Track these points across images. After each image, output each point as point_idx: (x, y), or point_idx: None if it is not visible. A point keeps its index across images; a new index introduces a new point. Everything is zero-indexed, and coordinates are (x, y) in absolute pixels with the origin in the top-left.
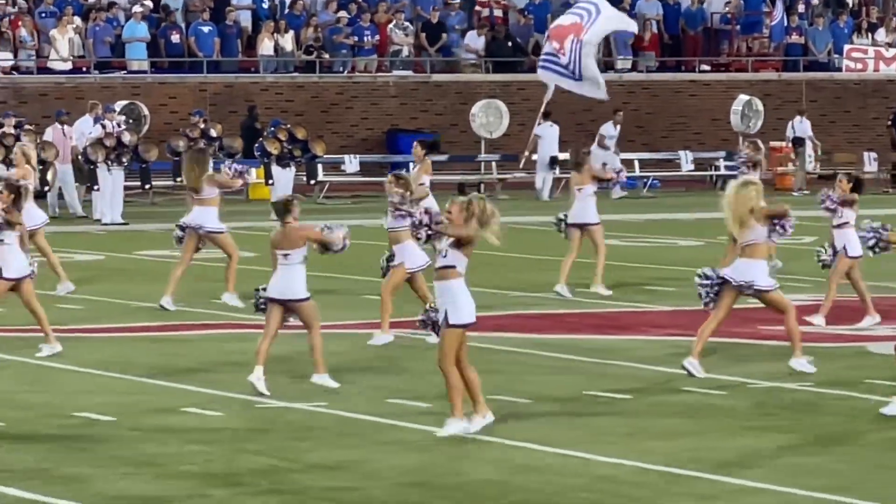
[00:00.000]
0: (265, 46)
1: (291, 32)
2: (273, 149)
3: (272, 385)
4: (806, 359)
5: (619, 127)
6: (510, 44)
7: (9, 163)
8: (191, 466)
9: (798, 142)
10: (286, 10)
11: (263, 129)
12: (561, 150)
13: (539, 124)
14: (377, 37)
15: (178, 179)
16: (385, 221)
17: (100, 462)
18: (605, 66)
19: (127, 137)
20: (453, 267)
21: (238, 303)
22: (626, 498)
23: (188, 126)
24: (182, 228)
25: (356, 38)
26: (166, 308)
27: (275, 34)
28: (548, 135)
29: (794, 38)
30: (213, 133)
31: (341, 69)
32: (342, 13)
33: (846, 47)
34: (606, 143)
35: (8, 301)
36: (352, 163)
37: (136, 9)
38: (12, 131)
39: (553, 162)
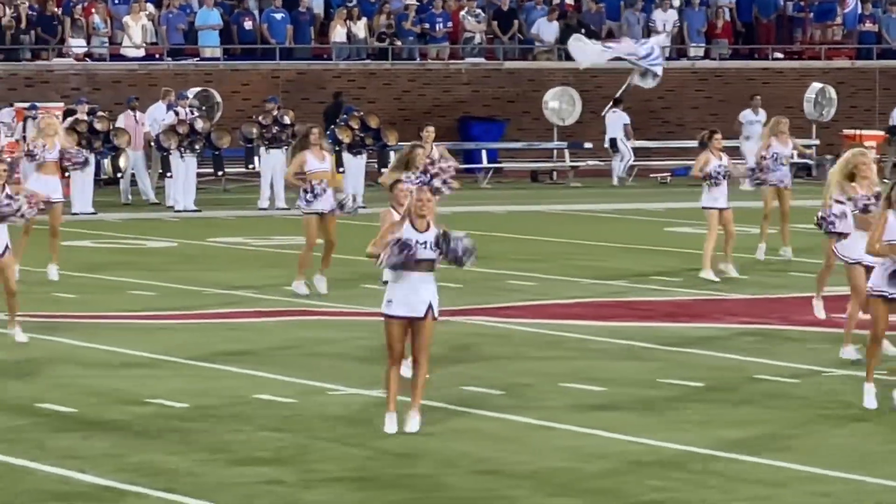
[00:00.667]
0: (338, 33)
1: (364, 19)
2: (345, 137)
3: (345, 371)
4: (854, 347)
5: (760, 112)
6: (583, 31)
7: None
8: (263, 453)
9: (892, 130)
10: None
11: (347, 119)
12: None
13: (613, 111)
14: (449, 24)
15: (251, 167)
16: None
17: (172, 449)
18: (678, 53)
19: (200, 124)
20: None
21: (306, 290)
22: (698, 485)
23: (261, 113)
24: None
25: (428, 26)
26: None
27: (347, 21)
28: (613, 120)
29: (868, 25)
30: (286, 120)
31: (413, 56)
32: (413, 1)
33: None
34: (744, 130)
35: (83, 287)
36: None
37: None
38: (85, 118)
39: (612, 144)
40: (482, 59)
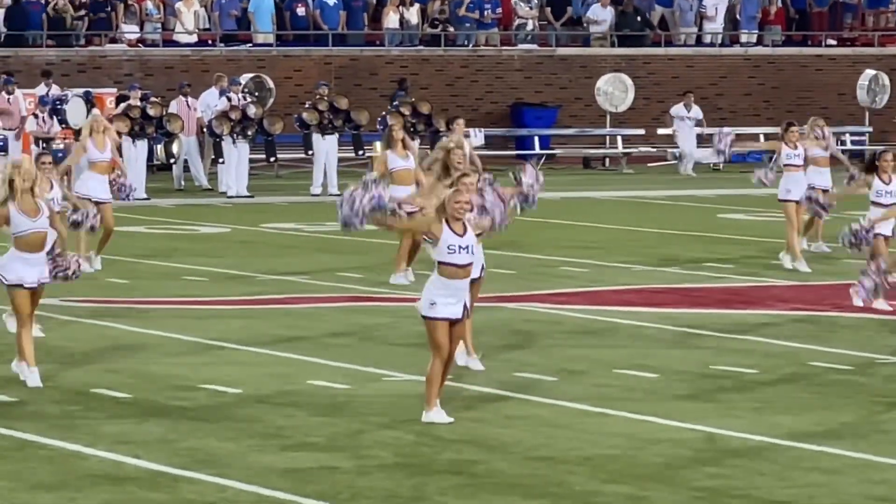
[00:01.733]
0: (390, 20)
1: (417, 6)
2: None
3: (398, 358)
4: None
5: (693, 108)
6: (638, 18)
7: (135, 136)
8: (317, 439)
9: None
10: None
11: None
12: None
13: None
14: (499, 10)
15: (310, 153)
16: None
17: (226, 434)
18: (731, 40)
19: (252, 110)
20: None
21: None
22: (753, 472)
23: (314, 98)
24: None
25: (479, 12)
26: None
27: (400, 7)
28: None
29: None
30: (340, 105)
31: (466, 42)
32: None
33: None
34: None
35: (136, 273)
36: (476, 136)
37: None
38: (138, 104)
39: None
40: (535, 46)
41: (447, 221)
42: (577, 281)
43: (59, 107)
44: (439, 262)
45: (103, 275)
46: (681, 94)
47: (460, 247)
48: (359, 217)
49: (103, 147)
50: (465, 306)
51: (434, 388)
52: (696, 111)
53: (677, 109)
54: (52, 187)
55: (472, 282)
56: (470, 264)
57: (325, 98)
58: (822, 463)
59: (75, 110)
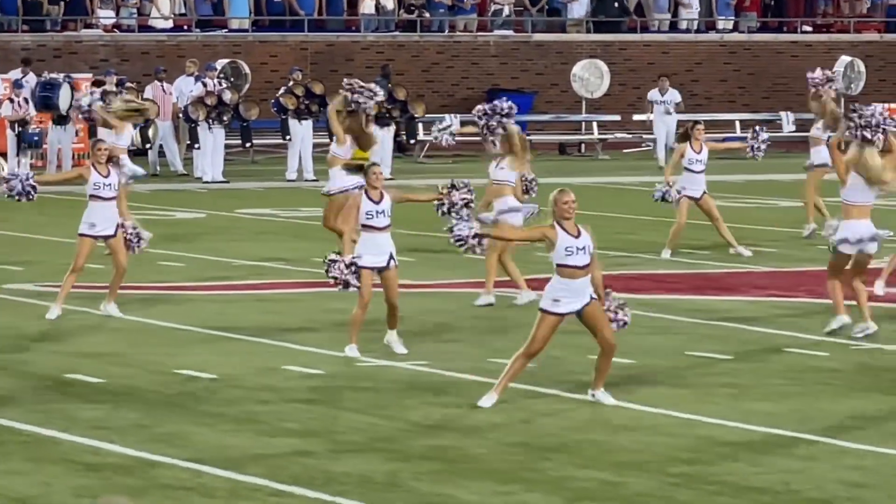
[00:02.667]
0: (367, 5)
1: None
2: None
3: (374, 343)
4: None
5: (669, 92)
6: (615, 4)
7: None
8: (292, 424)
9: None
10: None
11: (394, 90)
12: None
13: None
14: None
15: (287, 138)
16: None
17: (201, 419)
18: (707, 26)
19: (228, 96)
20: None
21: None
22: (728, 458)
23: (288, 84)
24: None
25: None
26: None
27: None
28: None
29: None
30: (315, 91)
31: (441, 28)
32: None
33: None
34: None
35: (111, 258)
36: (453, 122)
37: None
38: (114, 89)
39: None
40: (510, 32)
41: (559, 224)
42: (552, 267)
43: (47, 93)
44: (558, 265)
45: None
46: (655, 80)
47: (577, 248)
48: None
49: (122, 131)
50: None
51: (510, 378)
52: (672, 94)
53: (652, 94)
54: (108, 174)
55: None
56: (588, 265)
57: (302, 83)
58: (797, 449)
59: (65, 95)
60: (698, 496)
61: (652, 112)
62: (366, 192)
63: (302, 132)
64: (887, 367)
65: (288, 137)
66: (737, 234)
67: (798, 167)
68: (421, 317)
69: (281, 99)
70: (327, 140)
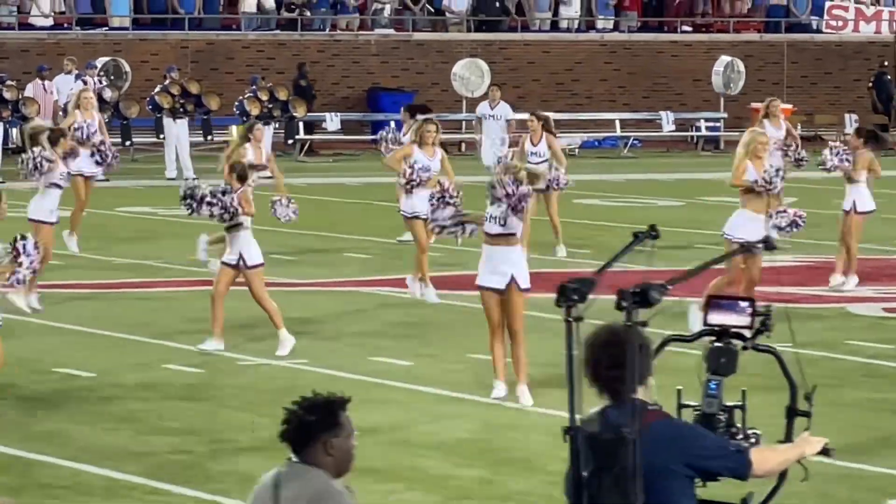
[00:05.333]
0: (247, 3)
1: None
2: (253, 109)
3: (254, 341)
4: None
5: (500, 105)
6: (497, 3)
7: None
8: (172, 423)
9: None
10: None
11: (312, 87)
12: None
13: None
14: None
15: (161, 136)
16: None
17: (80, 418)
18: (587, 25)
19: (108, 94)
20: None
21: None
22: None
23: (165, 83)
24: None
25: None
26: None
27: None
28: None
29: None
30: (192, 90)
31: (322, 27)
32: None
33: (827, 4)
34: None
35: None
36: (333, 121)
37: None
38: None
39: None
40: (391, 31)
41: None
42: (439, 267)
43: None
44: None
45: None
46: (536, 79)
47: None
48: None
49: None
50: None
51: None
52: (503, 108)
53: (482, 108)
54: None
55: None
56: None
57: (178, 82)
58: None
59: None
60: None
61: (481, 132)
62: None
63: (177, 130)
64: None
65: (162, 136)
66: (616, 234)
67: (677, 166)
68: (302, 315)
69: (156, 97)
70: (202, 139)
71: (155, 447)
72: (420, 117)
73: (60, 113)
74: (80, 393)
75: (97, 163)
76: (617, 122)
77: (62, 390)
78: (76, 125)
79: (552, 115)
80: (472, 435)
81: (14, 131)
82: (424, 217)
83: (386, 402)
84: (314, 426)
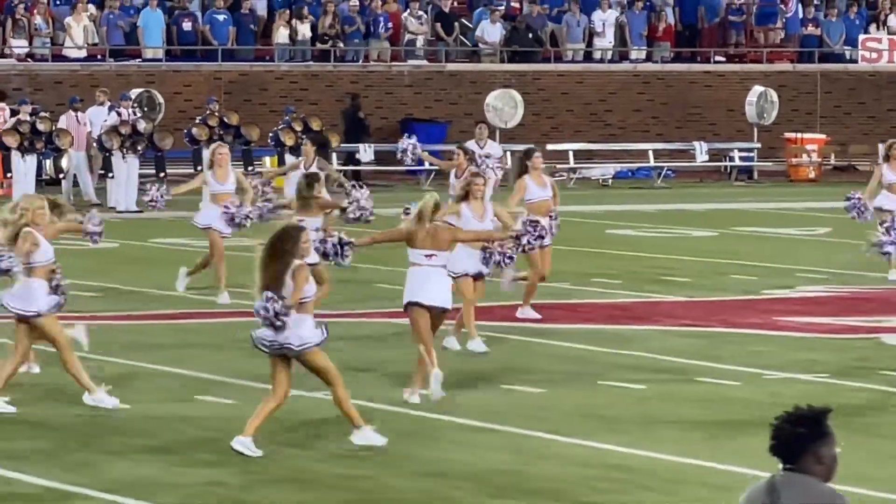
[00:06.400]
0: (280, 35)
1: (307, 21)
2: (288, 139)
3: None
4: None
5: (489, 145)
6: (530, 34)
7: (25, 150)
8: (205, 454)
9: None
10: None
11: (366, 119)
12: None
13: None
14: (390, 25)
15: (199, 168)
16: None
17: (114, 449)
18: (620, 56)
19: (142, 125)
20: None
21: None
22: (640, 487)
23: (204, 114)
24: None
25: (369, 27)
26: None
27: (294, 21)
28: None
29: (810, 29)
30: (230, 121)
31: (355, 58)
32: (353, 1)
33: (861, 37)
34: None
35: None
36: (366, 152)
37: None
38: (28, 118)
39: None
40: (424, 62)
41: None
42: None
43: None
44: None
45: None
46: (569, 109)
47: None
48: None
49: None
50: None
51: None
52: (493, 147)
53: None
54: None
55: None
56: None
57: (216, 113)
58: (709, 479)
59: None
60: None
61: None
62: None
63: None
64: (800, 396)
65: (199, 167)
66: (650, 264)
67: (710, 196)
68: (333, 345)
69: (193, 129)
70: (242, 169)
71: (189, 479)
72: (471, 169)
73: (94, 145)
74: (115, 424)
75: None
76: (650, 153)
77: (96, 421)
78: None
79: (586, 146)
80: (505, 465)
81: (48, 163)
82: (474, 273)
83: (420, 433)
84: (804, 438)
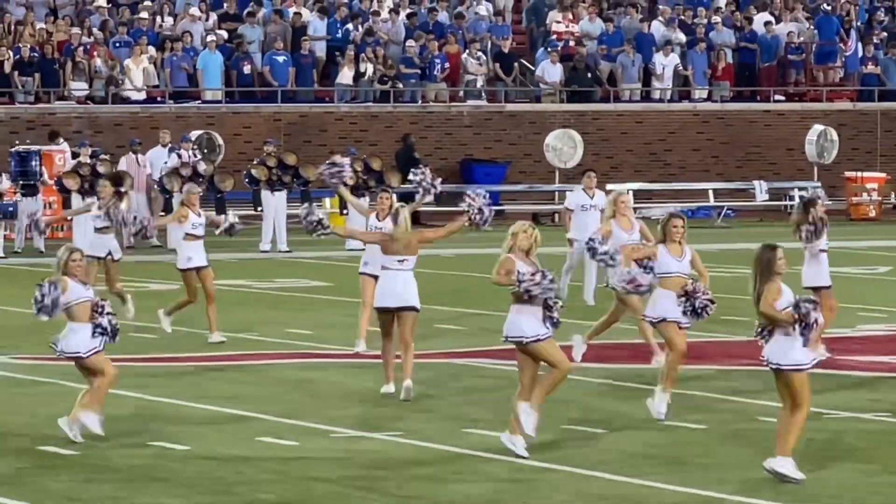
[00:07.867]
0: (342, 76)
1: (368, 63)
2: (349, 180)
3: (349, 414)
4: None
5: None
6: (588, 74)
7: (85, 192)
8: (266, 495)
9: None
10: (361, 40)
11: (421, 159)
12: None
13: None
14: (447, 65)
15: (259, 209)
16: None
17: (174, 491)
18: (680, 96)
19: (202, 167)
20: None
21: None
22: None
23: (262, 155)
24: None
25: (427, 68)
26: None
27: (352, 64)
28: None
29: (870, 67)
30: (289, 162)
31: (416, 99)
32: (410, 42)
33: None
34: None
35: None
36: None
37: (210, 38)
38: (88, 161)
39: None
40: (484, 102)
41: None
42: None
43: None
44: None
45: (51, 330)
46: (630, 149)
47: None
48: None
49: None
50: None
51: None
52: (601, 198)
53: (578, 197)
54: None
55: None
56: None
57: (274, 154)
58: None
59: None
60: None
61: (570, 219)
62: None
63: (275, 203)
64: (863, 435)
65: (260, 209)
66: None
67: (771, 235)
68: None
69: (252, 170)
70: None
71: None
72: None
73: (155, 186)
74: (175, 466)
75: None
76: (710, 192)
77: (156, 463)
78: None
79: (646, 185)
80: None
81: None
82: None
83: (480, 474)
84: None
